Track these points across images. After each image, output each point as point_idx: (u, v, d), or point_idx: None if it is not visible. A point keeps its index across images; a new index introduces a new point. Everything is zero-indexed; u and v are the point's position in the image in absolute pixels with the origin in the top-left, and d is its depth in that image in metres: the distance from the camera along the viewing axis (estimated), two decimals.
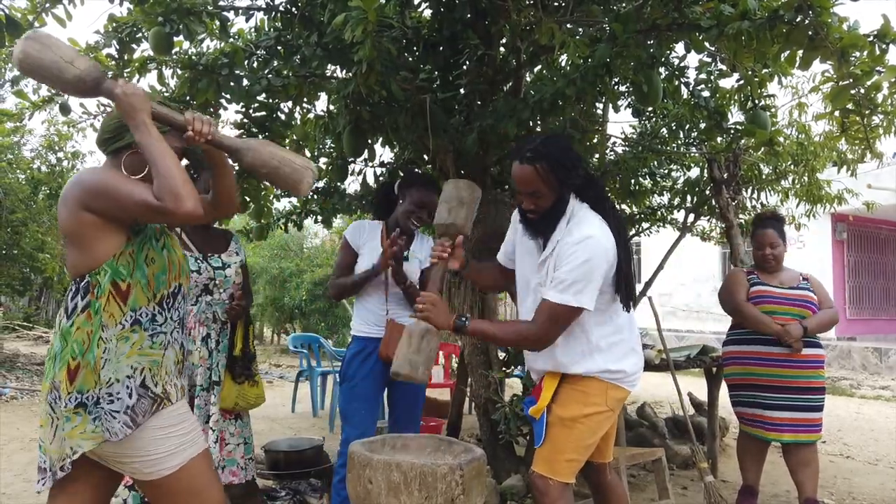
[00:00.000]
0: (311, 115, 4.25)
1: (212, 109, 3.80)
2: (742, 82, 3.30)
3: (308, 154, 4.72)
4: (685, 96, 3.66)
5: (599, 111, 4.51)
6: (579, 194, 2.16)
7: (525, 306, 2.27)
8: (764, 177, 5.03)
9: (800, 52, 2.37)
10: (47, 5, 2.98)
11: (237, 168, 2.37)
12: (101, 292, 1.70)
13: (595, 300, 2.04)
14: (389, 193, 2.98)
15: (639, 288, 5.29)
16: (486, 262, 2.55)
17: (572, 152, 2.17)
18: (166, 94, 3.77)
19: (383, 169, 4.57)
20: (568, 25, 3.27)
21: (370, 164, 4.43)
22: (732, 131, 3.62)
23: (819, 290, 3.44)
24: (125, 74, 3.52)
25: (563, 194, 2.12)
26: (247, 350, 2.89)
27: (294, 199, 4.86)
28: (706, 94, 3.54)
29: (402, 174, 3.06)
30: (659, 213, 5.56)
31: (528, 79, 4.11)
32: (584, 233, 2.04)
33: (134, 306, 1.74)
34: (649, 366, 3.85)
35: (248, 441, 2.87)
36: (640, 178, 5.19)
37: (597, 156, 4.80)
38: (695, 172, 5.29)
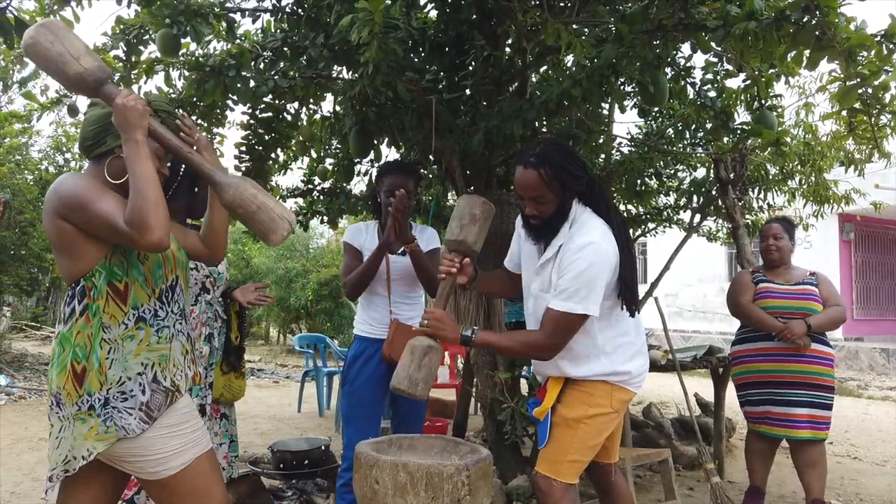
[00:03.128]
0: (317, 116, 4.26)
1: (218, 111, 3.83)
2: (748, 82, 3.29)
3: (314, 154, 4.74)
4: (691, 96, 3.65)
5: (605, 111, 4.51)
6: (582, 199, 2.15)
7: (526, 310, 2.28)
8: (771, 177, 5.01)
9: (807, 52, 2.37)
10: (55, 7, 3.00)
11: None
12: (98, 294, 1.69)
13: (600, 305, 2.03)
14: (376, 196, 2.92)
15: (645, 288, 5.28)
16: (493, 272, 2.54)
17: (576, 157, 2.16)
18: (173, 96, 3.79)
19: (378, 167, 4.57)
20: (574, 26, 3.27)
21: (376, 164, 4.43)
22: (739, 131, 3.61)
23: (827, 286, 3.44)
24: (133, 76, 3.54)
25: (566, 200, 2.12)
26: (241, 342, 2.92)
27: (300, 200, 4.87)
28: (712, 94, 3.53)
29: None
30: (665, 213, 5.55)
31: (534, 79, 4.11)
32: (586, 239, 2.03)
33: (135, 304, 1.73)
34: (655, 366, 3.85)
35: (234, 439, 2.91)
36: (647, 179, 5.18)
37: (602, 156, 4.80)
38: (701, 173, 5.27)
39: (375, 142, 3.80)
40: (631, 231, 5.76)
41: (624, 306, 2.13)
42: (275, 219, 1.76)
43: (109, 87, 1.68)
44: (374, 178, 2.93)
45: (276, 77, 3.33)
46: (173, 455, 1.70)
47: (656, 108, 4.39)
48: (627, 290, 2.10)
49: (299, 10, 3.32)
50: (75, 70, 1.63)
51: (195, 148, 1.78)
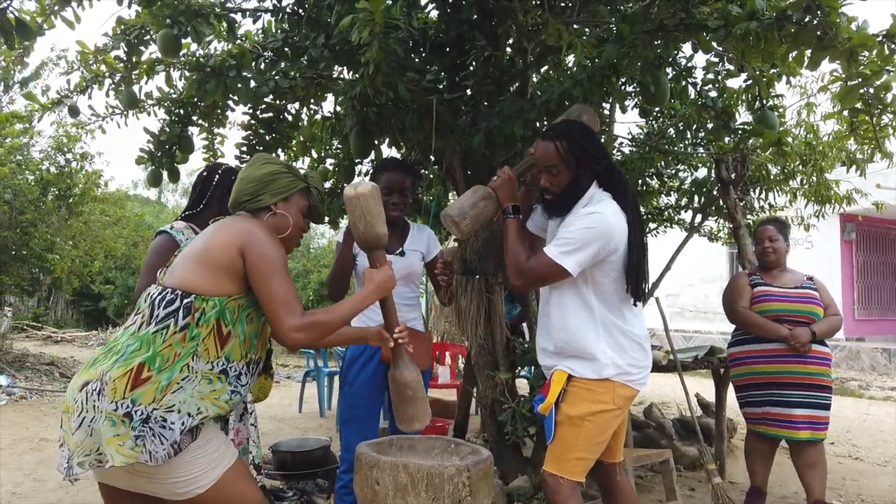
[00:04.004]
0: (318, 117, 4.26)
1: (218, 111, 3.83)
2: (750, 82, 3.29)
3: (315, 155, 4.74)
4: (692, 96, 3.64)
5: (606, 111, 4.50)
6: (602, 184, 2.23)
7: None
8: (772, 177, 5.01)
9: (808, 52, 2.36)
10: (56, 8, 3.00)
11: None
12: (204, 322, 1.69)
13: (580, 267, 2.10)
14: None
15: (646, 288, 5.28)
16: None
17: (594, 137, 2.27)
18: (174, 96, 3.79)
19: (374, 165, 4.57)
20: (575, 26, 3.26)
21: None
22: (740, 131, 3.60)
23: (825, 292, 3.44)
24: (133, 76, 3.54)
25: (580, 176, 2.20)
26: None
27: None
28: (713, 94, 3.53)
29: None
30: (666, 213, 5.55)
31: (535, 79, 4.10)
32: (596, 208, 2.15)
33: (229, 355, 1.73)
34: (657, 366, 3.85)
35: (257, 443, 2.89)
36: (648, 179, 5.18)
37: None
38: (702, 173, 5.27)
39: (376, 142, 3.80)
40: None
41: (630, 293, 2.17)
42: (419, 416, 2.09)
43: (382, 253, 2.02)
44: (371, 175, 2.92)
45: (276, 77, 3.32)
46: (200, 475, 1.68)
47: (657, 108, 4.38)
48: (636, 276, 2.15)
49: (300, 11, 3.32)
50: (382, 231, 1.96)
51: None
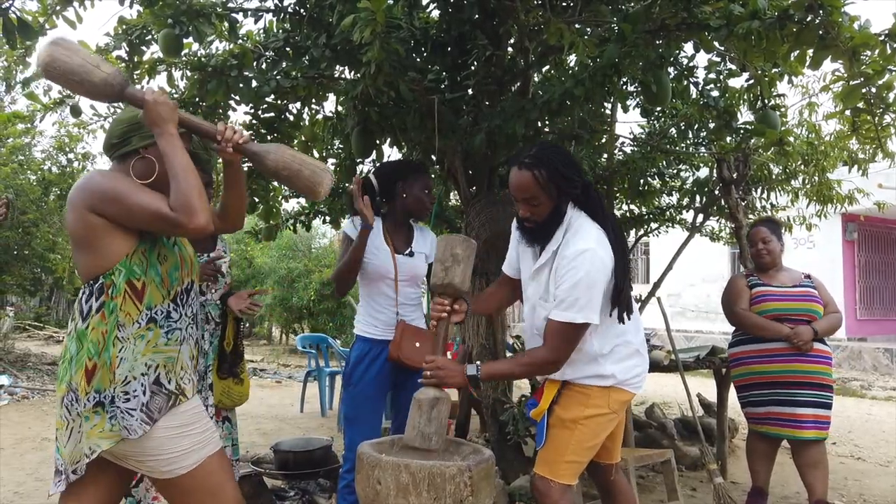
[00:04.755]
0: (319, 116, 4.26)
1: (220, 111, 3.83)
2: (752, 82, 3.28)
3: (316, 155, 4.74)
4: (694, 96, 3.64)
5: (608, 111, 4.50)
6: (577, 203, 2.13)
7: (525, 314, 2.29)
8: (774, 177, 5.00)
9: (810, 52, 2.36)
10: (58, 8, 3.00)
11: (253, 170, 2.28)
12: (116, 292, 1.70)
13: (597, 312, 2.01)
14: (371, 191, 2.85)
15: (647, 288, 5.28)
16: (486, 291, 2.56)
17: (572, 160, 2.15)
18: (176, 96, 3.79)
19: (395, 167, 4.57)
20: (576, 25, 3.26)
21: (378, 164, 4.43)
22: (742, 131, 3.60)
23: (824, 290, 3.43)
24: (135, 76, 3.55)
25: (561, 203, 2.10)
26: (237, 347, 2.92)
27: (302, 200, 4.87)
28: (715, 93, 3.52)
29: (377, 171, 2.98)
30: (668, 213, 5.54)
31: (537, 79, 4.10)
32: (581, 246, 2.01)
33: (150, 304, 1.74)
34: (658, 366, 3.85)
35: (236, 443, 2.94)
36: (649, 178, 5.17)
37: (605, 156, 4.79)
38: (704, 172, 5.26)
39: (378, 142, 3.80)
40: (634, 231, 5.77)
41: (616, 316, 2.09)
42: (317, 171, 1.85)
43: (133, 89, 1.74)
44: (386, 174, 2.87)
45: (278, 77, 3.33)
46: (183, 455, 1.71)
47: (659, 108, 4.38)
48: (619, 296, 2.07)
49: (301, 10, 3.32)
50: (100, 77, 1.67)
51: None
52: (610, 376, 2.13)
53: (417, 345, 2.68)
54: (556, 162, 2.07)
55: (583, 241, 2.02)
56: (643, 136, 4.87)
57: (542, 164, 2.06)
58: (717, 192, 4.84)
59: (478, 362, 2.17)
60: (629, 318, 2.12)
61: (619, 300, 2.07)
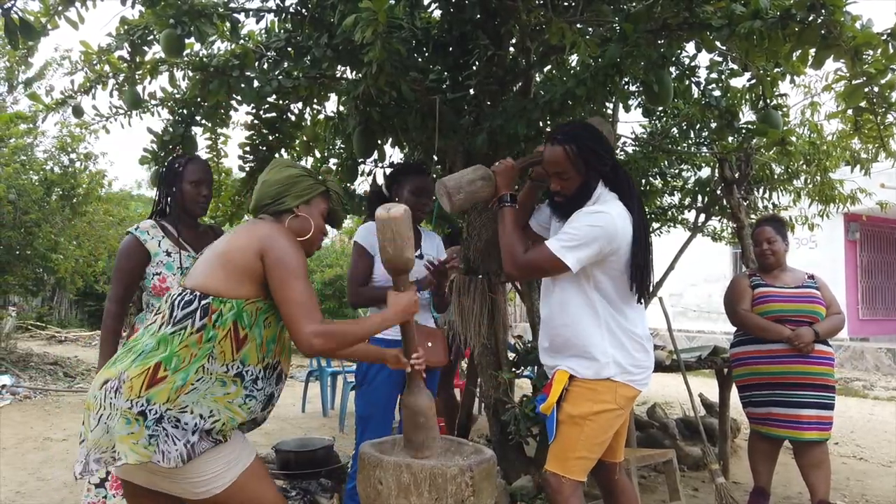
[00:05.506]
0: (321, 116, 4.26)
1: (222, 111, 3.83)
2: (754, 81, 3.28)
3: (318, 154, 4.74)
4: (696, 96, 3.63)
5: (610, 111, 4.50)
6: (608, 183, 2.22)
7: (542, 287, 2.39)
8: (776, 176, 4.99)
9: (812, 51, 2.35)
10: (60, 8, 3.00)
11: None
12: (221, 324, 1.69)
13: (580, 264, 2.09)
14: (382, 196, 2.96)
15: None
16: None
17: (601, 138, 2.25)
18: (177, 96, 3.79)
19: (393, 170, 4.58)
20: (578, 25, 3.26)
21: (380, 164, 4.43)
22: (744, 131, 3.59)
23: (827, 290, 3.42)
24: (137, 76, 3.55)
25: (590, 179, 2.20)
26: None
27: None
28: (717, 93, 3.52)
29: (386, 174, 3.05)
30: (670, 213, 5.54)
31: (538, 79, 4.10)
32: (602, 207, 2.15)
33: (244, 359, 1.73)
34: (660, 366, 3.84)
35: None
36: (651, 178, 5.17)
37: None
38: (706, 172, 5.26)
39: (379, 142, 3.80)
40: None
41: (634, 290, 2.18)
42: (428, 443, 2.05)
43: (407, 277, 1.99)
44: (386, 178, 2.95)
45: (279, 77, 3.33)
46: (216, 476, 1.68)
47: (661, 108, 4.37)
48: (640, 275, 2.16)
49: (303, 11, 3.32)
50: (410, 255, 1.92)
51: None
52: (617, 370, 2.15)
53: (430, 345, 2.69)
54: (586, 138, 2.20)
55: (605, 206, 2.15)
56: (645, 136, 4.87)
57: (572, 139, 2.18)
58: (718, 192, 4.84)
59: (515, 204, 2.32)
60: (648, 300, 2.24)
61: (637, 275, 2.16)
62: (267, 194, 1.89)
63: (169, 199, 2.60)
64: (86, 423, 1.69)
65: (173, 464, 1.59)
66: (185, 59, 3.48)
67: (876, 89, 2.31)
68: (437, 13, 3.80)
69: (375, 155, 3.99)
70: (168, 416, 1.61)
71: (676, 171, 5.33)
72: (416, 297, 1.97)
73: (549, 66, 4.10)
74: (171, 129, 3.81)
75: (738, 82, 3.61)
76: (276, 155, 4.18)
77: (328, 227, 2.04)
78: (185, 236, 2.60)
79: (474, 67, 3.50)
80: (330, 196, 1.97)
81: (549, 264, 2.13)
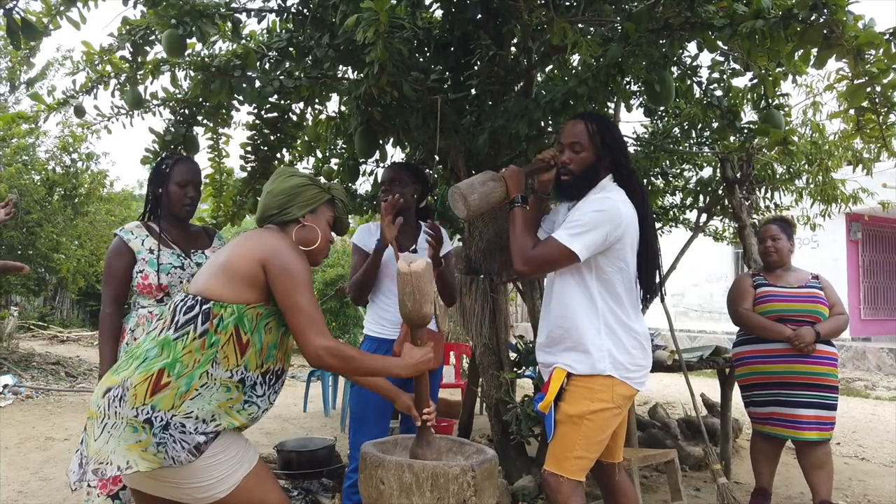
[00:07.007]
0: (322, 116, 4.26)
1: (223, 111, 3.83)
2: (755, 81, 3.27)
3: (319, 154, 4.75)
4: (698, 95, 3.63)
5: (611, 111, 4.50)
6: (617, 178, 2.26)
7: (546, 282, 2.42)
8: (777, 176, 4.99)
9: (814, 51, 2.35)
10: (62, 8, 3.01)
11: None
12: (223, 329, 1.70)
13: (588, 251, 2.10)
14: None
15: None
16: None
17: (621, 135, 2.36)
18: (179, 96, 3.80)
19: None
20: (580, 25, 3.26)
21: (382, 164, 4.44)
22: (746, 131, 3.59)
23: (831, 291, 3.41)
24: (139, 76, 3.55)
25: (601, 161, 2.23)
26: None
27: None
28: (719, 93, 3.52)
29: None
30: (671, 212, 5.53)
31: (540, 79, 4.10)
32: (607, 194, 2.19)
33: (246, 364, 1.73)
34: (661, 366, 3.84)
35: None
36: (653, 178, 5.16)
37: None
38: (707, 172, 5.25)
39: (381, 142, 3.80)
40: None
41: (640, 284, 2.22)
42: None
43: (424, 331, 1.97)
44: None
45: (281, 77, 3.33)
46: (220, 481, 1.68)
47: (662, 108, 4.37)
48: (646, 268, 2.21)
49: (305, 11, 3.32)
50: (429, 311, 1.91)
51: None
52: (608, 357, 2.15)
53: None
54: (609, 123, 2.31)
55: (611, 194, 2.19)
56: (646, 136, 4.87)
57: (596, 119, 2.27)
58: (720, 192, 4.83)
59: (526, 206, 2.32)
60: (653, 296, 2.27)
61: (644, 269, 2.21)
62: (272, 205, 1.89)
63: (156, 199, 2.60)
64: (89, 432, 1.68)
65: (185, 463, 1.61)
66: (187, 59, 3.48)
67: (878, 89, 2.31)
68: (439, 13, 3.80)
69: (377, 155, 3.99)
70: (174, 423, 1.62)
71: (678, 170, 5.32)
72: (431, 353, 1.96)
73: (550, 66, 4.10)
74: (172, 129, 3.81)
75: (740, 82, 3.61)
76: (278, 155, 4.19)
77: (338, 235, 2.05)
78: (170, 234, 2.57)
79: (476, 67, 3.50)
80: (335, 204, 1.98)
81: (557, 254, 2.13)
